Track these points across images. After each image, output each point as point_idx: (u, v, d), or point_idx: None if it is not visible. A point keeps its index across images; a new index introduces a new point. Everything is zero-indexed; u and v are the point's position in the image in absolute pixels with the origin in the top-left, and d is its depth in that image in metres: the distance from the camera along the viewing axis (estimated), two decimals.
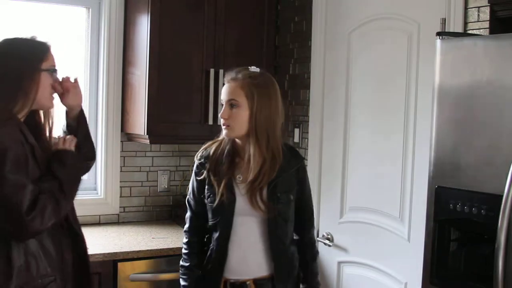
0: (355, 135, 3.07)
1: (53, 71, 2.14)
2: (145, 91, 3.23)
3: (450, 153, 2.01)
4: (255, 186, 2.23)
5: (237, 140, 2.30)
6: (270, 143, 2.24)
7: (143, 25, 3.27)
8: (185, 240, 2.39)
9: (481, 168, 1.90)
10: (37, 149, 2.03)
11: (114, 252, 2.87)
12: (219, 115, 2.29)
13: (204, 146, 2.37)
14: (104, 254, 2.84)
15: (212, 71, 3.32)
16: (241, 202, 2.26)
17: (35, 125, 2.14)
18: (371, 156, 2.94)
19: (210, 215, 2.30)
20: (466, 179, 1.94)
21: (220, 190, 2.25)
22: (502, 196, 1.75)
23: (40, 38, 2.15)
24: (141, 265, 2.91)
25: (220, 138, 2.33)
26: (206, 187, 2.30)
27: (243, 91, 2.21)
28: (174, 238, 3.16)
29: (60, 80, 2.20)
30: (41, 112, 2.17)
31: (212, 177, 2.28)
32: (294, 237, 2.40)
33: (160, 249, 2.96)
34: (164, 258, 2.97)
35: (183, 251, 2.38)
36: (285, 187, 2.28)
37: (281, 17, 3.60)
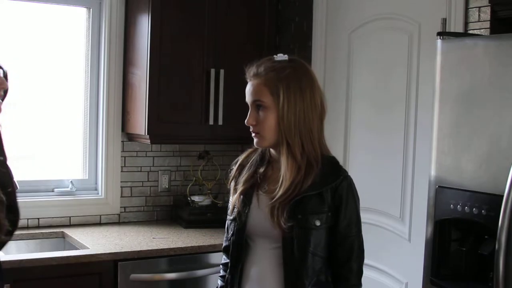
0: (355, 135, 3.07)
1: None
2: (145, 91, 3.22)
3: (450, 153, 2.01)
4: (283, 198, 1.79)
5: (271, 149, 1.90)
6: (305, 147, 1.81)
7: (144, 25, 3.27)
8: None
9: (481, 168, 1.90)
10: None
11: (114, 252, 2.86)
12: (246, 122, 1.86)
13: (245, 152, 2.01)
14: (104, 254, 2.83)
15: (212, 71, 3.32)
16: (257, 217, 1.86)
17: None
18: (372, 156, 2.94)
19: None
20: (467, 179, 1.94)
21: (233, 199, 1.92)
22: (502, 196, 1.75)
23: None
24: (142, 265, 2.91)
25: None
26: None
27: (268, 88, 1.79)
28: (174, 238, 3.15)
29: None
30: None
31: (233, 186, 1.96)
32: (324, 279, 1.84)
33: (161, 249, 2.96)
34: (164, 258, 2.96)
35: None
36: (309, 209, 1.80)
37: (281, 17, 3.60)
